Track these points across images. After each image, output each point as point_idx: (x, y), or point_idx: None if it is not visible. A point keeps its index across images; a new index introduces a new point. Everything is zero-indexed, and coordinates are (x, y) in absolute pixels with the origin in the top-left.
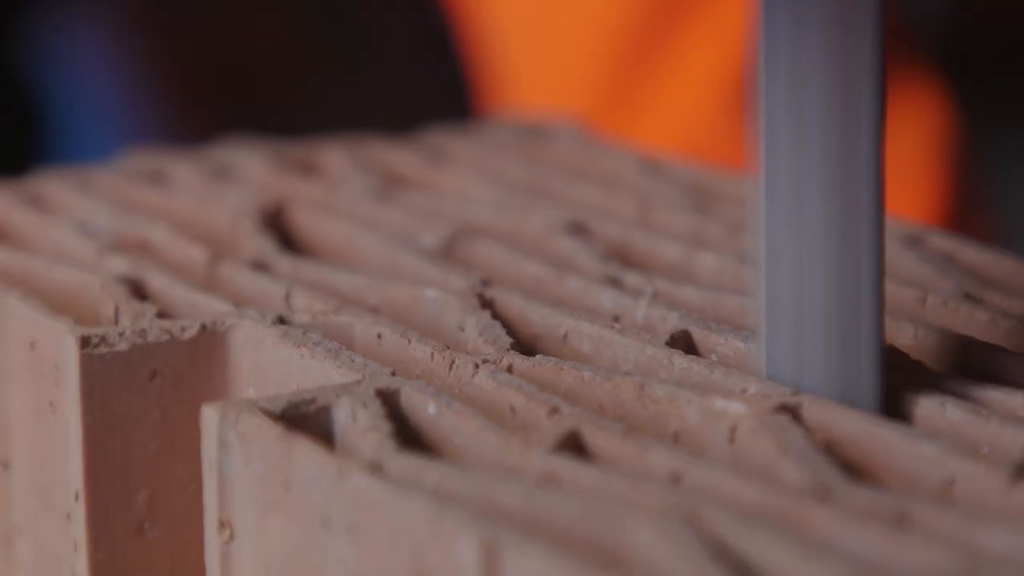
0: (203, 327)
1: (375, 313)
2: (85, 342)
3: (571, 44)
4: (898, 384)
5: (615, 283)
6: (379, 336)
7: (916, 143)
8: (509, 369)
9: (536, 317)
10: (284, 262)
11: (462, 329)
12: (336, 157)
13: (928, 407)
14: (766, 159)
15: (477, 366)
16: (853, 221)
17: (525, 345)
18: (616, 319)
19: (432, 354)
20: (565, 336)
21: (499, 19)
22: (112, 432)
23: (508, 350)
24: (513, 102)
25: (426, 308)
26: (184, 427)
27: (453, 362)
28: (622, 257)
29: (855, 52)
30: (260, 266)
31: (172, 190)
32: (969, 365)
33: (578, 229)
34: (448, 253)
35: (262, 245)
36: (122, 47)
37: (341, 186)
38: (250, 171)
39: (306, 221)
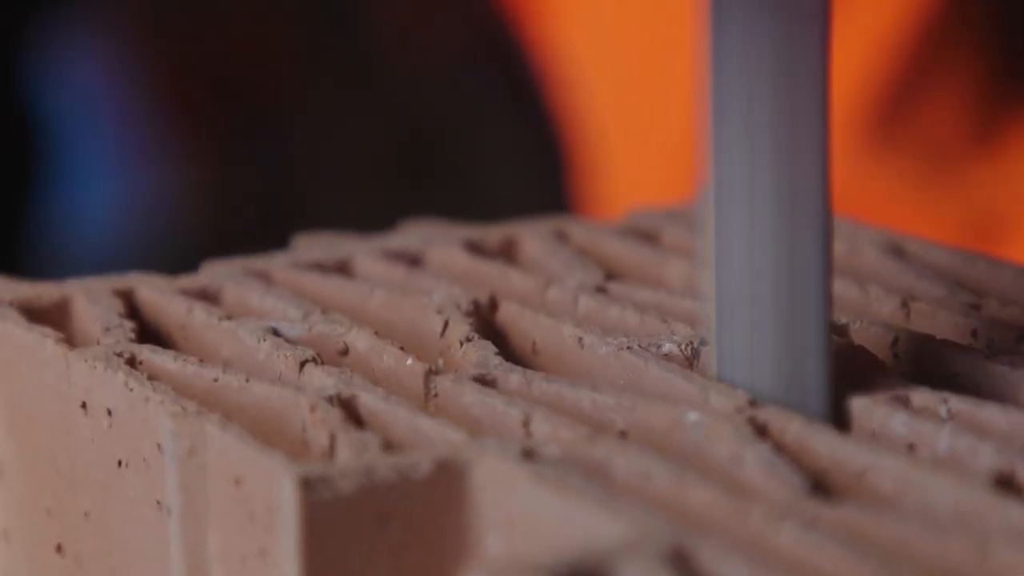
0: (438, 464)
1: (624, 440)
2: (306, 484)
3: (663, 113)
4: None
5: (903, 401)
6: (647, 475)
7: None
8: (815, 521)
9: (823, 449)
10: (513, 376)
11: (737, 463)
12: (538, 244)
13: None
14: (715, 160)
15: (779, 518)
16: (800, 221)
17: (812, 482)
18: (911, 448)
19: (717, 501)
20: (863, 473)
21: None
22: None
23: (809, 495)
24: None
25: (688, 435)
26: None
27: (746, 512)
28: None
29: (803, 50)
30: (486, 380)
31: (364, 285)
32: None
33: (837, 331)
34: (694, 361)
35: (483, 353)
36: (121, 61)
37: (555, 279)
38: (447, 262)
39: (523, 321)
